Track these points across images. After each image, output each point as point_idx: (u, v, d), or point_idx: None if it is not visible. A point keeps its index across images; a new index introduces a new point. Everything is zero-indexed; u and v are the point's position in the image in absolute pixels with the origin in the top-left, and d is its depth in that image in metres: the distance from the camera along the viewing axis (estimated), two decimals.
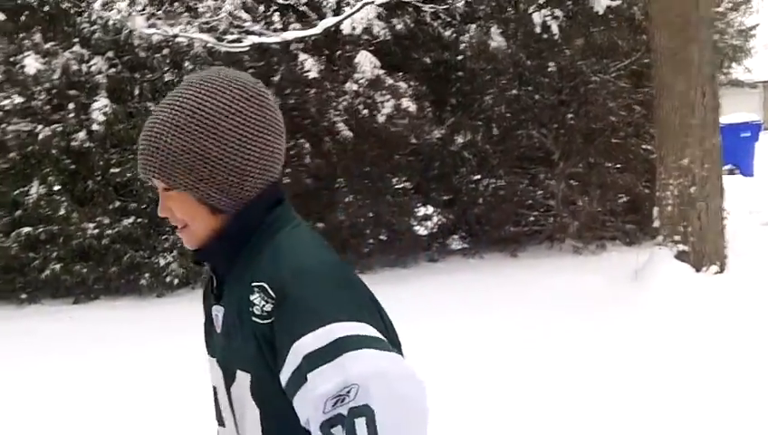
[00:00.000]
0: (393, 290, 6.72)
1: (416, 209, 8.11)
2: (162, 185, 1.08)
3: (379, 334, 0.96)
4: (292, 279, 0.98)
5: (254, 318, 1.01)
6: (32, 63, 7.13)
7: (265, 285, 1.00)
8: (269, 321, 0.99)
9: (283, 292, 0.98)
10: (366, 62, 7.59)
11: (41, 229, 7.11)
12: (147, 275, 7.21)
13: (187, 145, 1.03)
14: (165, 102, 1.07)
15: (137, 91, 7.51)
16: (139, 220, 7.28)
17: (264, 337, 1.00)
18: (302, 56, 7.46)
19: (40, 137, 7.06)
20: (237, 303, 1.04)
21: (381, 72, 7.59)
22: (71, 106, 7.25)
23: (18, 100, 7.19)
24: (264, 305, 1.00)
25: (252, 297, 1.02)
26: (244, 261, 1.06)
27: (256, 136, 1.05)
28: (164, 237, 7.33)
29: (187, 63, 7.44)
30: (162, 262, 7.21)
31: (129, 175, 7.22)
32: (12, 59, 7.23)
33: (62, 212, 7.06)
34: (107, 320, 6.43)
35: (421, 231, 8.13)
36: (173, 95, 1.08)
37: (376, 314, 1.01)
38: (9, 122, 7.14)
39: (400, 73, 7.75)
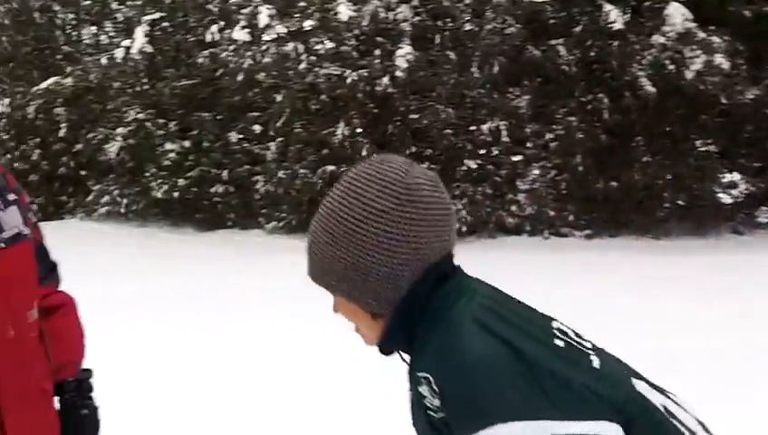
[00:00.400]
0: (688, 261, 7.13)
1: (720, 175, 8.35)
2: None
3: (548, 425, 1.00)
4: (454, 374, 1.03)
5: (428, 411, 1.08)
6: (344, 11, 8.41)
7: (430, 378, 1.05)
8: (442, 415, 1.05)
9: (445, 387, 1.03)
10: (676, 14, 7.95)
11: (343, 168, 8.43)
12: None
13: (337, 254, 1.09)
14: (323, 205, 1.14)
15: (438, 40, 8.54)
16: (432, 166, 8.31)
17: (440, 429, 1.07)
18: (606, 6, 8.00)
19: (348, 81, 8.34)
20: (414, 390, 1.11)
21: (693, 24, 7.91)
22: (376, 52, 8.45)
23: (330, 45, 8.54)
24: (432, 400, 1.05)
25: (420, 389, 1.07)
26: (416, 349, 1.12)
27: (407, 236, 1.08)
28: (455, 185, 8.31)
29: (488, 13, 8.33)
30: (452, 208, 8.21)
31: (426, 122, 8.29)
32: (327, 6, 8.58)
33: (363, 153, 8.29)
34: None
35: (725, 199, 8.37)
36: (328, 198, 1.13)
37: (544, 401, 1.02)
38: (321, 66, 8.52)
39: (713, 27, 8.01)
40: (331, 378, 4.10)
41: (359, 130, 8.40)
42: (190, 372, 4.17)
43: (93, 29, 10.93)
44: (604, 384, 1.06)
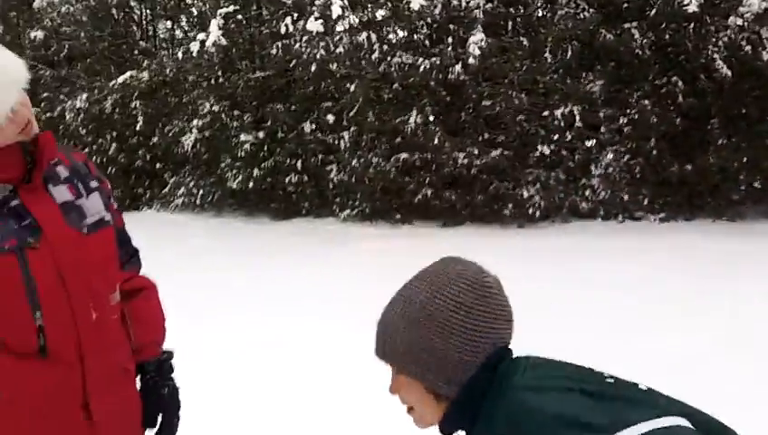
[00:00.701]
0: (763, 243, 7.70)
1: None
2: (393, 368, 1.37)
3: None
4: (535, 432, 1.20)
5: None
6: (416, 0, 9.26)
7: None
8: None
9: None
10: None
11: (416, 156, 9.28)
12: (510, 205, 9.03)
13: (414, 338, 1.30)
14: (400, 293, 1.35)
15: (510, 26, 9.32)
16: (505, 153, 9.09)
17: None
18: None
19: (420, 69, 9.18)
20: None
21: None
22: (449, 40, 9.28)
23: (402, 34, 9.40)
24: None
25: None
26: (482, 424, 1.30)
27: (481, 328, 1.30)
28: (528, 171, 9.08)
29: None
30: (525, 194, 8.96)
31: (498, 108, 9.07)
32: None
33: (435, 141, 9.12)
34: (467, 245, 8.25)
35: None
36: (407, 287, 1.35)
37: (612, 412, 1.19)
38: (394, 55, 9.38)
39: None
40: None
41: (431, 118, 9.23)
42: (268, 359, 4.56)
43: (168, 24, 12.02)
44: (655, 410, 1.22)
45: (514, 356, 1.35)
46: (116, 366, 1.92)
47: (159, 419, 2.07)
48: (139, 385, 2.04)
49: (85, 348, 1.82)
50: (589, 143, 8.87)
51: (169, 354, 2.13)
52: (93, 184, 1.92)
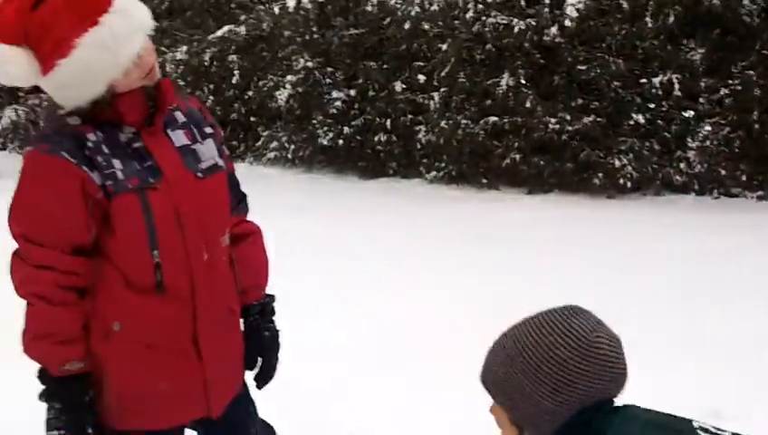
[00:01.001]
0: None
1: None
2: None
3: None
4: None
5: None
6: None
7: None
8: None
9: None
10: None
11: (506, 120, 9.83)
12: (600, 174, 9.47)
13: (508, 374, 1.50)
14: (513, 327, 1.55)
15: None
16: (598, 119, 9.52)
17: None
18: None
19: (515, 30, 9.69)
20: None
21: None
22: (546, 1, 9.73)
23: None
24: None
25: None
26: None
27: (574, 384, 1.45)
28: (621, 139, 9.48)
29: None
30: (617, 163, 9.38)
31: (593, 73, 9.48)
32: None
33: (527, 105, 9.62)
34: (552, 214, 8.67)
35: None
36: (522, 323, 1.55)
37: None
38: (489, 15, 9.92)
39: None
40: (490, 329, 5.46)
41: (523, 81, 9.74)
42: (357, 310, 5.08)
43: None
44: None
45: (614, 408, 1.51)
46: (223, 306, 2.12)
47: (260, 361, 2.28)
48: (241, 327, 2.23)
49: (197, 287, 2.01)
50: (686, 114, 9.17)
51: (271, 298, 2.32)
52: (208, 130, 2.11)
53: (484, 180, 10.07)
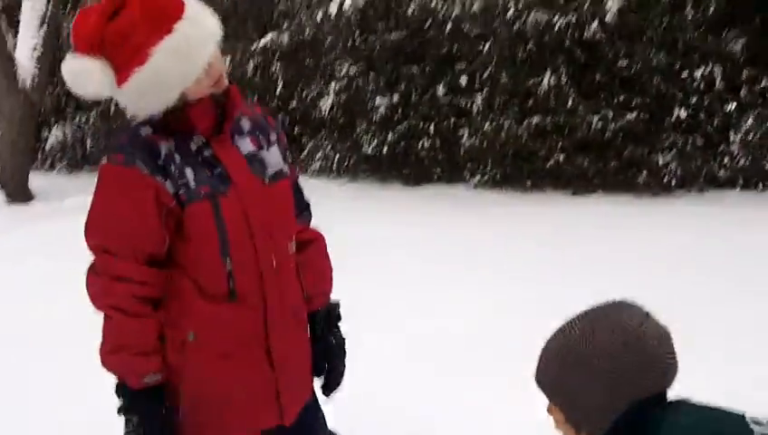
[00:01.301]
0: None
1: None
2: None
3: None
4: None
5: None
6: None
7: None
8: None
9: None
10: None
11: (548, 120, 10.59)
12: (644, 172, 10.14)
13: (559, 374, 1.67)
14: (562, 327, 1.72)
15: None
16: (641, 115, 10.19)
17: None
18: None
19: (556, 27, 10.45)
20: None
21: None
22: None
23: None
24: None
25: None
26: None
27: (625, 380, 1.60)
28: (665, 135, 10.13)
29: None
30: (661, 160, 10.04)
31: (635, 68, 10.18)
32: None
33: (569, 104, 10.38)
34: (598, 215, 9.30)
35: None
36: (571, 322, 1.71)
37: None
38: (529, 13, 10.71)
39: None
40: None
41: (565, 80, 10.49)
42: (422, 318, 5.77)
43: None
44: None
45: (668, 403, 1.65)
46: (292, 313, 2.27)
47: (327, 367, 2.44)
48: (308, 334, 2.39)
49: (267, 293, 2.16)
50: (728, 107, 9.78)
51: (336, 305, 2.48)
52: (273, 137, 2.29)
53: (529, 182, 10.81)
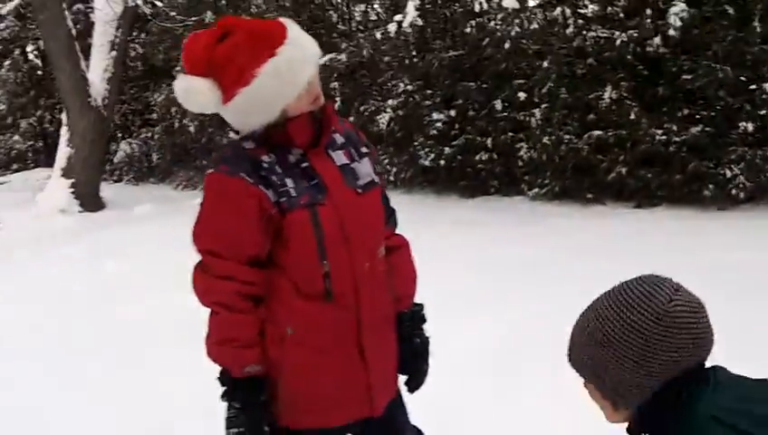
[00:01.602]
0: None
1: None
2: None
3: None
4: None
5: None
6: None
7: None
8: None
9: None
10: None
11: (610, 133, 9.48)
12: (710, 186, 9.00)
13: (590, 351, 1.47)
14: (590, 305, 1.52)
15: None
16: (706, 129, 9.04)
17: None
18: None
19: (617, 43, 9.36)
20: None
21: None
22: (647, 12, 9.38)
23: (595, 7, 9.64)
24: None
25: None
26: None
27: (657, 355, 1.40)
28: (731, 148, 8.99)
29: None
30: (728, 173, 8.89)
31: (699, 83, 9.06)
32: None
33: (631, 117, 9.24)
34: (662, 228, 8.26)
35: None
36: (599, 299, 1.51)
37: None
38: (589, 29, 9.64)
39: None
40: None
41: (627, 94, 9.40)
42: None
43: (363, 6, 12.99)
44: None
45: (705, 378, 1.45)
46: (383, 313, 2.24)
47: (411, 366, 2.39)
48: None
49: (361, 294, 2.14)
50: None
51: (421, 307, 2.44)
52: (363, 150, 2.27)
53: (589, 195, 9.72)
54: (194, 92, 2.06)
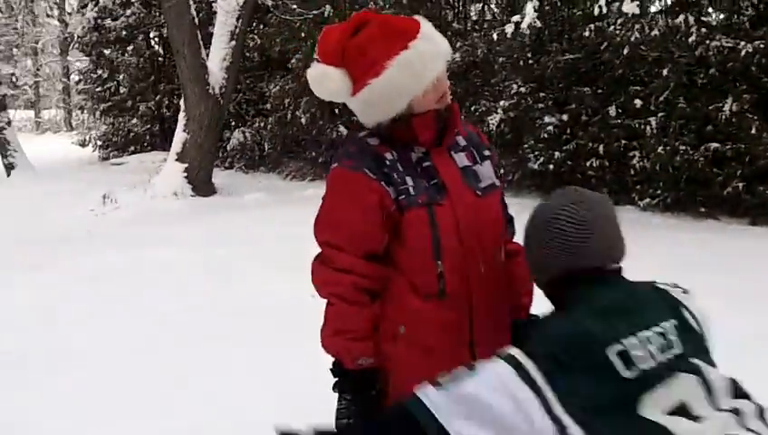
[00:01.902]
0: None
1: None
2: None
3: None
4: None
5: None
6: None
7: None
8: None
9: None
10: None
11: (728, 146, 9.33)
12: None
13: (525, 233, 1.99)
14: (551, 200, 1.96)
15: None
16: None
17: None
18: None
19: (741, 53, 9.21)
20: None
21: None
22: None
23: (720, 16, 9.50)
24: None
25: None
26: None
27: (535, 247, 1.92)
28: None
29: None
30: None
31: None
32: None
33: (752, 131, 9.07)
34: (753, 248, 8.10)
35: None
36: (554, 198, 1.96)
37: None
38: (712, 38, 9.51)
39: None
40: None
41: (747, 107, 9.21)
42: None
43: (479, 6, 13.13)
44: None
45: (602, 280, 1.84)
46: (495, 317, 2.23)
47: None
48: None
49: (474, 296, 2.14)
50: None
51: (536, 318, 2.32)
52: (486, 153, 2.28)
53: (703, 209, 9.60)
54: (326, 79, 2.09)
